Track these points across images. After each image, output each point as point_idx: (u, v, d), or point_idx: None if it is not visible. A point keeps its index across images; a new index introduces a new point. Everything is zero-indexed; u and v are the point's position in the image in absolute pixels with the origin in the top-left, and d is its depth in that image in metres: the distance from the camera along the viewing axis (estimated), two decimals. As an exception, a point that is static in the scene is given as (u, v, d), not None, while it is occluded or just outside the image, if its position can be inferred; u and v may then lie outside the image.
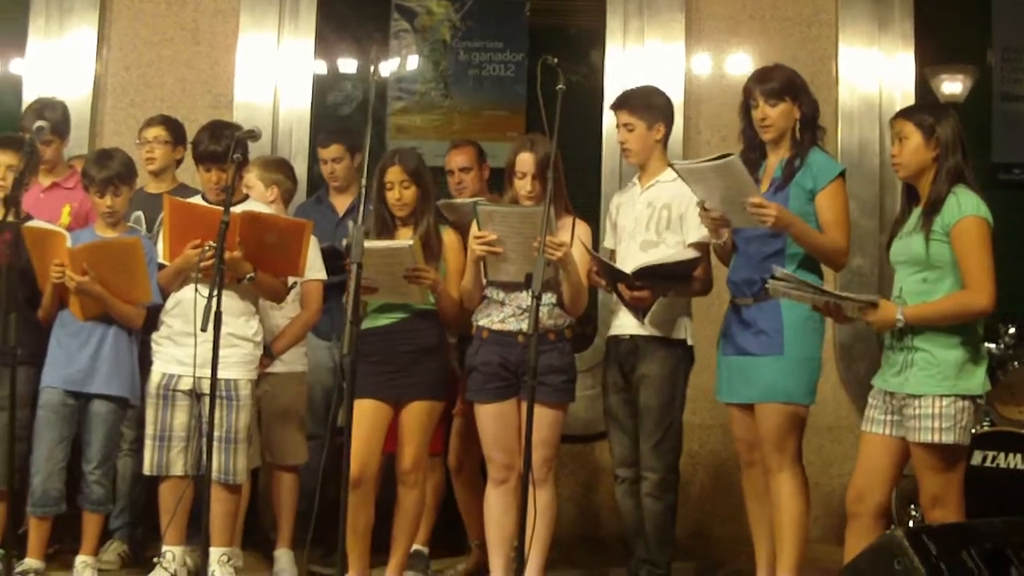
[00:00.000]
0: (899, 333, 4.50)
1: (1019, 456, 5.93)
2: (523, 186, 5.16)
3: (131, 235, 5.59)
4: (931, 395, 4.40)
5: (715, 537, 6.76)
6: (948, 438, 4.38)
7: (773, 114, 5.00)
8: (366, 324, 5.17)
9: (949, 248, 4.44)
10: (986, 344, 6.18)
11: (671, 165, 5.11)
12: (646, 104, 5.36)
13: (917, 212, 4.57)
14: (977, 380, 4.46)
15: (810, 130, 5.00)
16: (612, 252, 5.46)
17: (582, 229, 5.19)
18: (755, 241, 5.00)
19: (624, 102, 5.40)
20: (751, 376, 4.98)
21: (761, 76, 5.10)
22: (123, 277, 5.35)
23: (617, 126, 5.42)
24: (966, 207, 4.42)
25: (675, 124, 5.54)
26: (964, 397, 4.41)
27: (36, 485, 5.37)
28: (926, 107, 4.86)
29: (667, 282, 5.14)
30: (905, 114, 4.70)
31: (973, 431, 5.92)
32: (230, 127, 5.44)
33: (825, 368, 5.21)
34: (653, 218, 5.29)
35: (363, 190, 4.52)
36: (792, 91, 5.01)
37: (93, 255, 5.32)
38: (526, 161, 5.15)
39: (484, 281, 5.20)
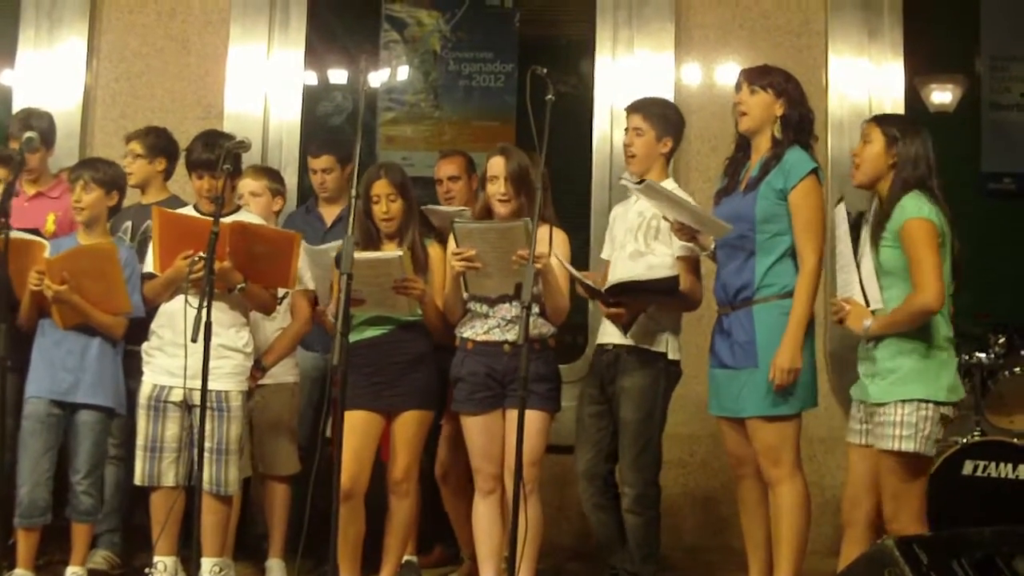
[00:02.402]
0: (865, 342, 4.54)
1: (1010, 465, 5.93)
2: (495, 190, 5.15)
3: (116, 244, 5.57)
4: (893, 402, 4.43)
5: (705, 548, 6.74)
6: (908, 446, 4.40)
7: (750, 101, 4.98)
8: (353, 337, 5.16)
9: (900, 253, 4.47)
10: (978, 354, 6.28)
11: (624, 181, 5.07)
12: (661, 115, 5.36)
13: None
14: (940, 385, 4.46)
15: (791, 131, 4.93)
16: (607, 264, 5.46)
17: (559, 238, 5.19)
18: (727, 247, 4.98)
19: (640, 107, 5.40)
20: (730, 390, 4.95)
21: (754, 67, 5.13)
22: (101, 285, 5.34)
23: (626, 129, 5.40)
24: (909, 210, 4.47)
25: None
26: (927, 404, 4.41)
27: (22, 496, 5.35)
28: (899, 118, 4.88)
29: (644, 297, 5.11)
30: (876, 119, 4.76)
31: (963, 440, 5.98)
32: (224, 136, 5.46)
33: (818, 377, 5.16)
34: (642, 228, 5.28)
35: (352, 201, 4.53)
36: (776, 86, 4.96)
37: (70, 262, 5.30)
38: (497, 164, 5.15)
39: (465, 295, 5.20)
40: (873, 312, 4.51)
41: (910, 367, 4.45)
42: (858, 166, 4.64)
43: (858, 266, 4.48)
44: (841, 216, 4.50)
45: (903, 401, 4.42)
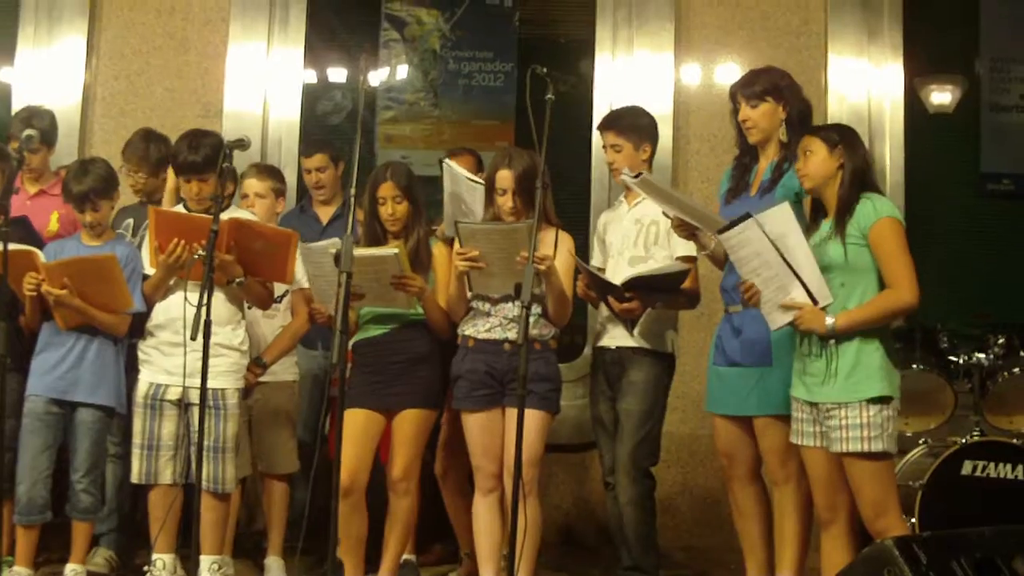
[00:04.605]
0: (818, 340, 4.50)
1: (1009, 465, 5.92)
2: (504, 203, 5.15)
3: (116, 242, 5.57)
4: (858, 402, 4.41)
5: (704, 548, 6.75)
6: (877, 446, 4.41)
7: (754, 115, 5.00)
8: (357, 336, 5.24)
9: (867, 251, 4.47)
10: (978, 354, 6.30)
11: (623, 176, 5.03)
12: (633, 125, 5.40)
13: (827, 224, 4.60)
14: (896, 383, 4.50)
15: (797, 131, 4.93)
16: (599, 269, 5.47)
17: (565, 241, 5.20)
18: None
19: (611, 123, 5.44)
20: (741, 387, 4.94)
21: (744, 79, 5.13)
22: (102, 288, 5.32)
23: (604, 146, 5.45)
24: (881, 209, 4.49)
25: (664, 134, 5.58)
26: (888, 403, 4.43)
27: (21, 493, 5.35)
28: (833, 126, 4.91)
29: (656, 293, 5.14)
30: (811, 131, 4.74)
31: (963, 441, 5.99)
32: (208, 136, 5.42)
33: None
34: (641, 234, 5.32)
35: (351, 200, 4.52)
36: (775, 92, 4.99)
37: (69, 269, 5.29)
38: (505, 178, 5.15)
39: (468, 294, 5.20)
40: (823, 309, 4.48)
41: (876, 364, 4.45)
42: (805, 176, 4.61)
43: (792, 266, 4.43)
44: (790, 215, 4.48)
45: (869, 401, 4.41)
